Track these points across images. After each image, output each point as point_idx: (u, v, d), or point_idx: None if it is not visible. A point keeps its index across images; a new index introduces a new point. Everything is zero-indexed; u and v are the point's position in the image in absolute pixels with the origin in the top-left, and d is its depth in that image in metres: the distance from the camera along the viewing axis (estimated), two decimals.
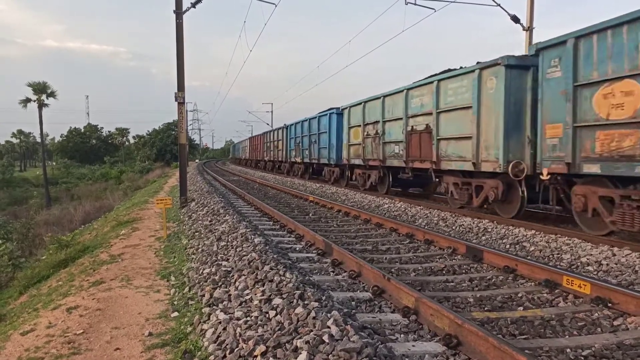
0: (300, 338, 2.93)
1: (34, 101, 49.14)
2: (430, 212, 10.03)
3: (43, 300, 5.57)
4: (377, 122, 13.72)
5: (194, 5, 13.20)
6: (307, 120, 21.88)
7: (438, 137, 10.48)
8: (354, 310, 3.91)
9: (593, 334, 3.58)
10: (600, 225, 6.97)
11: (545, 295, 4.52)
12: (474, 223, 8.50)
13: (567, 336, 3.54)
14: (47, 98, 49.72)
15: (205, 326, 3.60)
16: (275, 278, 4.28)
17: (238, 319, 3.52)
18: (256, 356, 2.88)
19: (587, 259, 5.86)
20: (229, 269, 4.99)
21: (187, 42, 13.04)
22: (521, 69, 8.29)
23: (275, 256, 5.17)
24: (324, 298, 3.81)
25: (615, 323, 3.78)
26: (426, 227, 8.54)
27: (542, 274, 4.84)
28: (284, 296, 3.76)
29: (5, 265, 10.52)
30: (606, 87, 6.49)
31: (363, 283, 4.83)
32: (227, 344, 3.13)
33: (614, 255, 5.87)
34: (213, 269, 5.12)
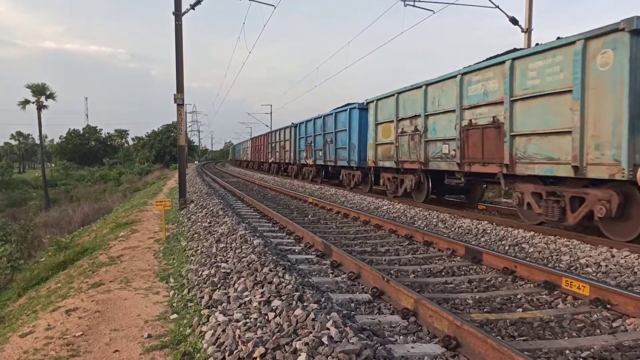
0: (299, 340, 2.93)
1: (33, 103, 49.10)
2: (429, 214, 10.03)
3: (42, 302, 5.56)
4: (416, 116, 11.39)
5: (193, 7, 13.23)
6: (320, 117, 19.48)
7: (512, 133, 8.14)
8: (353, 312, 3.91)
9: (592, 336, 3.58)
10: None
11: (544, 296, 4.52)
12: (473, 224, 8.50)
13: (566, 337, 3.54)
14: (46, 100, 49.69)
15: (204, 328, 3.59)
16: (274, 280, 4.28)
17: (237, 320, 3.52)
18: (255, 358, 2.87)
19: (586, 261, 5.87)
20: (228, 271, 4.99)
21: (187, 43, 13.07)
22: None
23: (274, 258, 5.17)
24: (323, 300, 3.81)
25: (614, 324, 3.79)
26: (425, 228, 8.55)
27: (541, 275, 4.85)
28: (283, 298, 3.76)
29: (4, 267, 10.50)
30: None
31: (362, 285, 4.83)
32: (226, 346, 3.12)
33: (613, 256, 5.87)
34: (212, 271, 5.12)
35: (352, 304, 4.22)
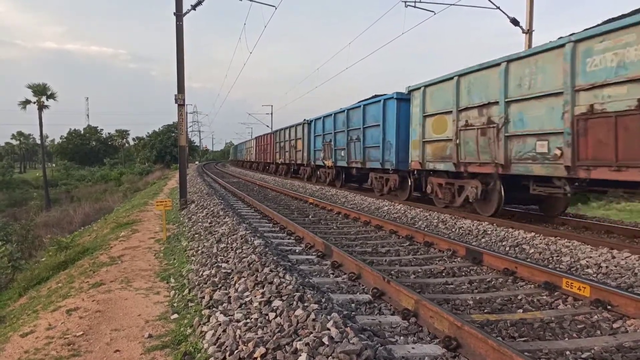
0: (300, 340, 2.93)
1: (34, 103, 49.15)
2: (430, 215, 10.02)
3: (43, 302, 5.56)
4: (490, 103, 8.77)
5: (194, 7, 13.24)
6: (343, 111, 16.70)
7: None
8: (353, 313, 3.91)
9: (592, 337, 3.58)
10: None
11: (544, 297, 4.52)
12: (473, 225, 8.50)
13: (566, 338, 3.54)
14: (47, 100, 49.74)
15: (205, 328, 3.60)
16: (275, 280, 4.28)
17: (238, 320, 3.52)
18: (256, 358, 2.88)
19: (587, 262, 5.87)
20: (229, 271, 4.99)
21: (187, 43, 13.08)
22: None
23: (275, 258, 5.17)
24: (323, 300, 3.82)
25: (614, 325, 3.79)
26: (426, 229, 8.54)
27: (542, 276, 4.85)
28: (283, 298, 3.76)
29: (5, 267, 10.51)
30: None
31: (363, 285, 4.83)
32: (227, 346, 3.13)
33: (614, 257, 5.87)
34: (213, 271, 5.12)
35: (353, 305, 4.22)
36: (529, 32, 14.81)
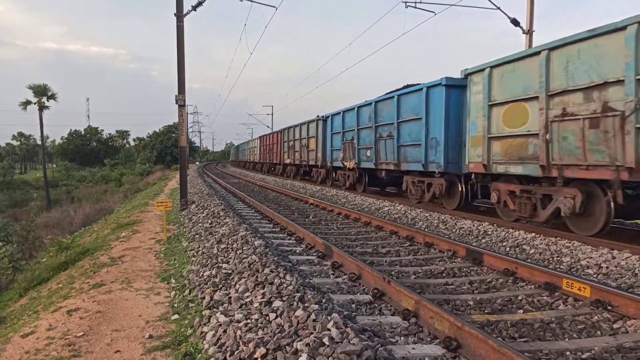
0: (300, 340, 2.93)
1: (35, 103, 49.26)
2: (430, 215, 10.02)
3: (43, 303, 5.57)
4: (606, 84, 6.32)
5: (194, 8, 13.25)
6: (370, 104, 14.13)
7: None
8: (354, 313, 3.92)
9: (593, 337, 3.58)
10: None
11: (545, 298, 4.52)
12: (474, 226, 8.50)
13: (567, 339, 3.54)
14: (47, 100, 49.85)
15: (205, 328, 3.60)
16: (275, 280, 4.29)
17: (238, 321, 3.53)
18: (256, 358, 2.88)
19: (587, 262, 5.87)
20: (229, 272, 5.00)
21: (188, 44, 13.10)
22: None
23: (275, 259, 5.18)
24: (324, 301, 3.82)
25: (615, 326, 3.79)
26: (426, 229, 8.54)
27: (542, 276, 4.85)
28: (284, 299, 3.77)
29: (5, 268, 10.53)
30: None
31: (363, 286, 4.83)
32: (227, 347, 3.13)
33: (614, 258, 5.87)
34: (213, 272, 5.13)
35: (353, 305, 4.22)
36: (529, 32, 14.81)
